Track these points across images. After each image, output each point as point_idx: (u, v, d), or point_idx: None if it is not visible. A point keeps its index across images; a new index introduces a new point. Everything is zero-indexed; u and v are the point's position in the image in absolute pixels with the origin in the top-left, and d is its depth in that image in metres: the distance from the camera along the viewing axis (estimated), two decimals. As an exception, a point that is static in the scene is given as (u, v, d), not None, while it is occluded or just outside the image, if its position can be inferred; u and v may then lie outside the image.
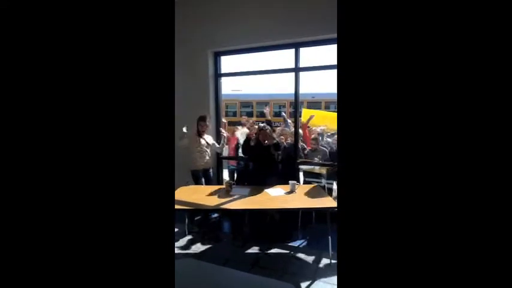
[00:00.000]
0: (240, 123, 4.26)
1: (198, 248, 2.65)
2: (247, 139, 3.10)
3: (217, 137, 3.46)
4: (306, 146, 3.49)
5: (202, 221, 3.15)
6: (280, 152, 3.01)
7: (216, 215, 3.33)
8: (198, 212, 3.11)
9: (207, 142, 3.13)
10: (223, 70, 3.56)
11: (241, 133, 3.77)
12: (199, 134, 3.10)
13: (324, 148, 3.42)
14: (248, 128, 3.83)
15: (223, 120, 3.67)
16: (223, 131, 3.35)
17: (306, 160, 3.34)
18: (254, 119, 8.66)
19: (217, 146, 3.26)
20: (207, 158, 3.15)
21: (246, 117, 7.86)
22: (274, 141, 2.94)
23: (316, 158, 3.32)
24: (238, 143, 3.64)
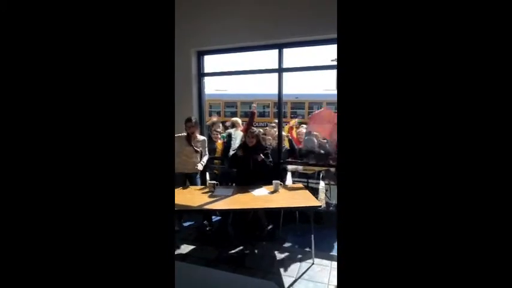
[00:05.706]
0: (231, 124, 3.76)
1: (181, 249, 2.62)
2: (235, 154, 3.00)
3: (209, 139, 3.36)
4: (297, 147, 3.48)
5: (178, 220, 3.08)
6: (270, 160, 2.94)
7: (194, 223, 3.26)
8: (181, 213, 3.05)
9: (195, 149, 2.93)
10: (207, 70, 3.52)
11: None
12: (189, 137, 2.90)
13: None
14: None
15: (214, 119, 3.49)
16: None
17: (288, 160, 3.36)
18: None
19: (204, 160, 3.03)
20: (195, 162, 2.97)
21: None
22: (264, 147, 2.92)
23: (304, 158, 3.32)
24: (225, 147, 3.42)
